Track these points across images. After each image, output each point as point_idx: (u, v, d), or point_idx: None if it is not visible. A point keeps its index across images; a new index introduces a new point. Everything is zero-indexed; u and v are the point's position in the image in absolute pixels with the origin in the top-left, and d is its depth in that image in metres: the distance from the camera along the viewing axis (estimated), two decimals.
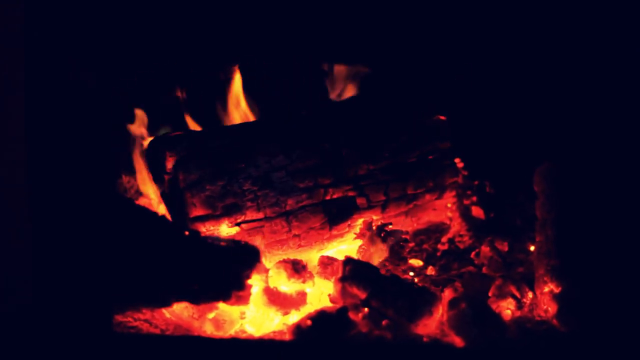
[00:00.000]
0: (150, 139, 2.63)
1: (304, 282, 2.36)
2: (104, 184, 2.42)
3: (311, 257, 2.54)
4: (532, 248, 2.55)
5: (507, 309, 2.31)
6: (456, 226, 2.75)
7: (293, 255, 2.48)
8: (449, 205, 2.78)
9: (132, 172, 2.75)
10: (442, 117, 2.79)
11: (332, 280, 2.34)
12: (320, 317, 2.19)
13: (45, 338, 2.11)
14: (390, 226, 2.57)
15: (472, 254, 2.62)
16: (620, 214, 2.34)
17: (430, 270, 2.56)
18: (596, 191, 2.39)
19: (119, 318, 2.28)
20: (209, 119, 2.81)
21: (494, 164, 2.87)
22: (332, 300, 2.31)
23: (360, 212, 2.58)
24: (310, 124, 2.63)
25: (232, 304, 2.21)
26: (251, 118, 2.82)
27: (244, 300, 2.21)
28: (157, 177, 2.52)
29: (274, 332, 2.29)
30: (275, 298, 2.32)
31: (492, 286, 2.38)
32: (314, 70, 2.91)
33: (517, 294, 2.34)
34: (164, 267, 2.16)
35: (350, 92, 2.88)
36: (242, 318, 2.31)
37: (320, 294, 2.41)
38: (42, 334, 2.12)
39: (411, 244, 2.65)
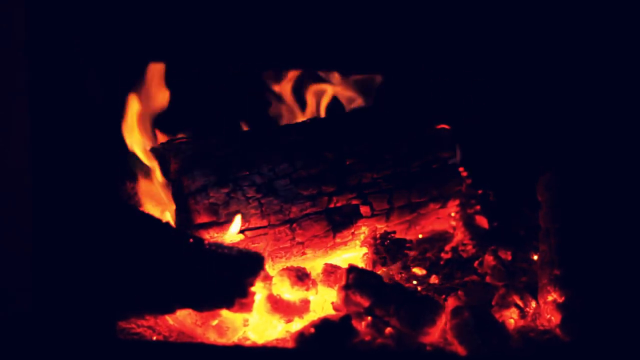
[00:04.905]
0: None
1: (307, 289, 2.36)
2: (107, 190, 2.42)
3: (315, 265, 2.55)
4: (535, 257, 2.55)
5: (510, 318, 2.31)
6: (460, 235, 2.76)
7: (297, 263, 2.49)
8: (452, 214, 2.79)
9: (135, 178, 2.75)
10: (446, 127, 2.80)
11: (336, 288, 2.34)
12: (323, 325, 2.19)
13: (48, 344, 2.11)
14: (394, 234, 2.58)
15: (476, 263, 2.62)
16: (624, 223, 2.34)
17: (434, 279, 2.56)
18: (599, 201, 2.39)
19: (122, 324, 2.29)
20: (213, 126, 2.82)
21: (498, 173, 2.88)
22: (335, 308, 2.31)
23: (364, 220, 2.59)
24: (314, 133, 2.64)
25: (235, 311, 2.21)
26: None
27: (247, 307, 2.20)
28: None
29: (277, 339, 2.28)
30: (279, 306, 2.32)
31: (495, 295, 2.38)
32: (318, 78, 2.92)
33: (521, 303, 2.33)
34: (168, 274, 2.16)
35: (356, 101, 2.89)
36: (245, 325, 2.31)
37: (324, 302, 2.41)
38: (43, 339, 2.12)
39: (415, 253, 2.65)
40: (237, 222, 2.40)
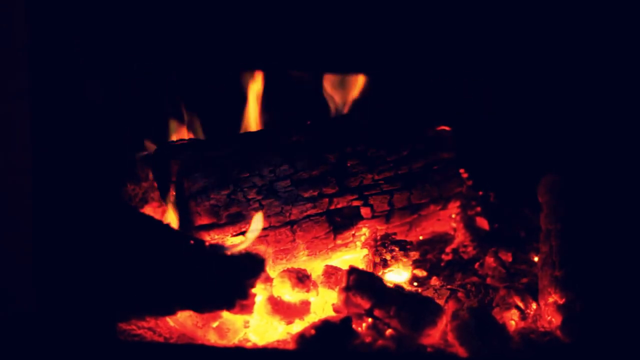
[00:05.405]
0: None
1: (307, 291, 2.36)
2: (108, 192, 2.42)
3: (315, 266, 2.55)
4: (536, 259, 2.55)
5: (511, 319, 2.31)
6: (460, 237, 2.76)
7: (297, 264, 2.49)
8: (453, 215, 2.79)
9: (137, 180, 2.75)
10: (447, 128, 2.80)
11: (336, 289, 2.34)
12: (324, 327, 2.19)
13: (48, 345, 2.11)
14: (394, 236, 2.58)
15: (476, 265, 2.62)
16: (625, 224, 2.34)
17: (434, 281, 2.56)
18: (601, 202, 2.40)
19: (123, 326, 2.28)
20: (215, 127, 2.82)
21: (499, 174, 2.88)
22: (335, 310, 2.30)
23: (364, 222, 2.59)
24: (315, 134, 2.64)
25: (236, 313, 2.21)
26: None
27: (248, 309, 2.21)
28: (162, 185, 2.53)
29: (278, 341, 2.28)
30: (279, 307, 2.32)
31: (496, 297, 2.38)
32: (318, 79, 2.92)
33: (521, 305, 2.33)
34: (168, 276, 2.16)
35: (356, 102, 2.89)
36: (246, 327, 2.31)
37: (324, 303, 2.41)
38: (44, 340, 2.12)
39: (415, 254, 2.65)
40: (258, 220, 2.40)
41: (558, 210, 2.43)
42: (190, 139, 2.62)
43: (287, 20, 2.78)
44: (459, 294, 2.40)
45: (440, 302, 2.36)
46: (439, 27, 2.78)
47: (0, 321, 2.13)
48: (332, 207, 2.54)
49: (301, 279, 2.36)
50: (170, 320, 2.34)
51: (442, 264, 2.65)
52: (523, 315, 2.33)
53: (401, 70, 2.91)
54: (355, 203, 2.58)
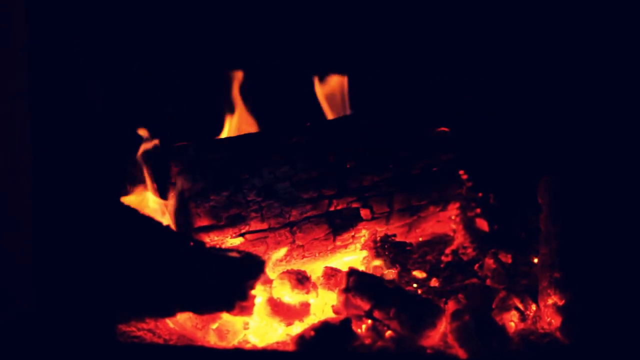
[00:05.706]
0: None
1: (307, 293, 2.36)
2: (108, 193, 2.42)
3: (315, 268, 2.55)
4: (535, 260, 2.55)
5: (510, 321, 2.31)
6: (460, 238, 2.75)
7: (297, 266, 2.49)
8: (452, 217, 2.79)
9: (136, 181, 2.75)
10: (446, 129, 2.80)
11: (336, 291, 2.34)
12: (323, 328, 2.19)
13: (47, 346, 2.11)
14: (394, 237, 2.58)
15: (476, 266, 2.62)
16: (625, 226, 2.34)
17: (434, 282, 2.56)
18: (601, 204, 2.40)
19: (122, 327, 2.28)
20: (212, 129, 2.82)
21: (498, 176, 2.88)
22: (335, 312, 2.31)
23: (364, 223, 2.59)
24: (315, 135, 2.64)
25: (235, 315, 2.21)
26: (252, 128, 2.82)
27: (247, 310, 2.21)
28: (162, 187, 2.53)
29: (278, 342, 2.28)
30: (279, 309, 2.32)
31: (495, 298, 2.38)
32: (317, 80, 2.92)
33: (521, 306, 2.33)
34: (168, 277, 2.16)
35: (354, 103, 2.89)
36: (246, 328, 2.31)
37: (324, 305, 2.41)
38: (43, 342, 2.12)
39: (415, 256, 2.65)
40: None
41: (558, 211, 2.42)
42: (190, 141, 2.62)
43: (286, 21, 2.77)
44: (459, 296, 2.40)
45: (440, 303, 2.36)
46: (439, 27, 2.78)
47: (0, 321, 2.13)
48: (332, 209, 2.54)
49: (301, 280, 2.36)
50: (169, 322, 2.34)
51: (442, 266, 2.65)
52: (523, 316, 2.32)
53: (401, 71, 2.91)
54: (355, 204, 2.58)
